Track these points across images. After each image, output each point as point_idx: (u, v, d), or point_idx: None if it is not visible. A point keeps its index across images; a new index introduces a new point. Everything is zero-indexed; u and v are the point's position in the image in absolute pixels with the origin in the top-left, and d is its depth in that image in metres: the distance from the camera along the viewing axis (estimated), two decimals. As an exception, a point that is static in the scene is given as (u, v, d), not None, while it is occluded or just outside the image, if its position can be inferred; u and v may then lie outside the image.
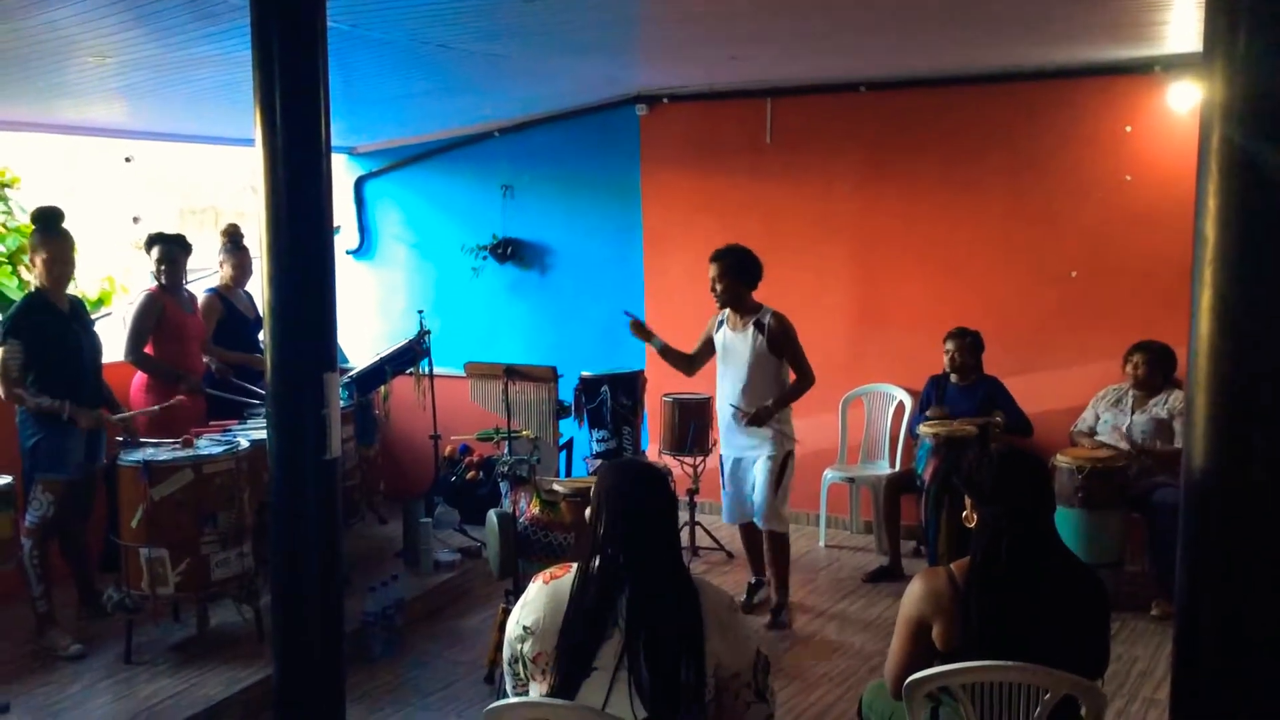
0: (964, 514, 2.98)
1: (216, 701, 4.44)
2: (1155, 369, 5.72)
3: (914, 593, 2.90)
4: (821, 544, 6.75)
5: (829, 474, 6.68)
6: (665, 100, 7.25)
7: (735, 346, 5.50)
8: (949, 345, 6.07)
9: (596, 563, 2.65)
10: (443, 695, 4.73)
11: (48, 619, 4.90)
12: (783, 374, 5.47)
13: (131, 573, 4.72)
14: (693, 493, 6.34)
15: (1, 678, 4.57)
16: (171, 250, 5.71)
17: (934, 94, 6.58)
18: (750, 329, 5.42)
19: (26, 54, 4.75)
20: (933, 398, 6.10)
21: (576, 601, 2.61)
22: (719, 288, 5.45)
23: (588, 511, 2.76)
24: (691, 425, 6.26)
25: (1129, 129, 6.13)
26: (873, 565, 6.25)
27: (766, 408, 5.39)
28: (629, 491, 2.71)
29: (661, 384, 6.59)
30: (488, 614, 5.41)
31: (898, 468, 6.55)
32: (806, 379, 5.46)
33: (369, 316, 8.24)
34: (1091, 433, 5.90)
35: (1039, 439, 5.93)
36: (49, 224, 4.93)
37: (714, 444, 6.34)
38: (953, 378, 6.08)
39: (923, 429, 5.85)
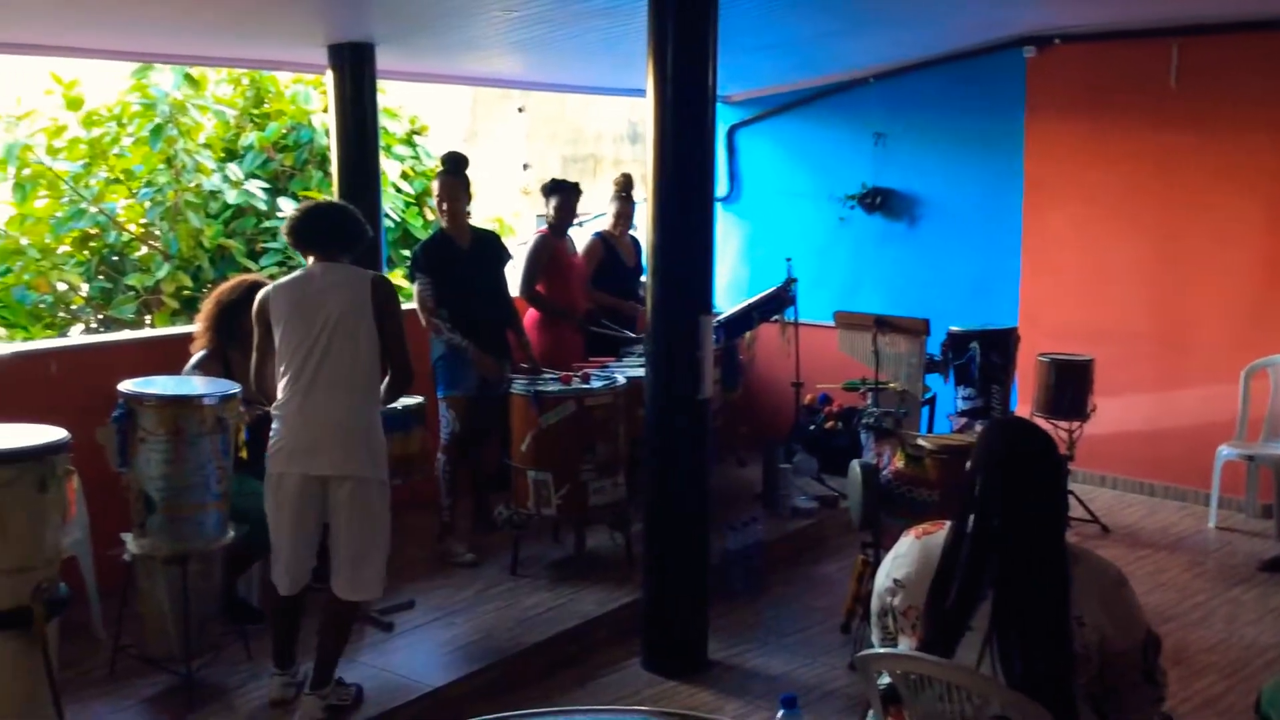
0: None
1: (589, 618, 4.74)
2: None
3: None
4: (1211, 525, 6.20)
5: (1224, 450, 6.11)
6: (1056, 41, 6.80)
7: None
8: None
9: (971, 522, 2.58)
10: (799, 639, 4.80)
11: (449, 529, 5.42)
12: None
13: (520, 492, 5.13)
14: (1067, 459, 6.00)
15: (407, 577, 5.07)
16: (568, 198, 6.10)
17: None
18: None
19: (445, 10, 5.18)
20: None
21: (948, 561, 2.56)
22: None
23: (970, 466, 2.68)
24: (1070, 388, 5.93)
25: None
26: (1270, 552, 5.67)
27: None
28: (1013, 451, 2.61)
29: (1037, 343, 6.28)
30: (844, 563, 5.41)
31: (1308, 448, 5.88)
32: None
33: (734, 263, 8.39)
34: None
35: None
36: (445, 165, 5.39)
37: (1092, 409, 5.99)
38: (1385, 352, 5.36)
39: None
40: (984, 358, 5.87)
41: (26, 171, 7.96)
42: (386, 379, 3.87)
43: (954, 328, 6.04)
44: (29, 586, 3.19)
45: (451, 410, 5.33)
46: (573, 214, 6.19)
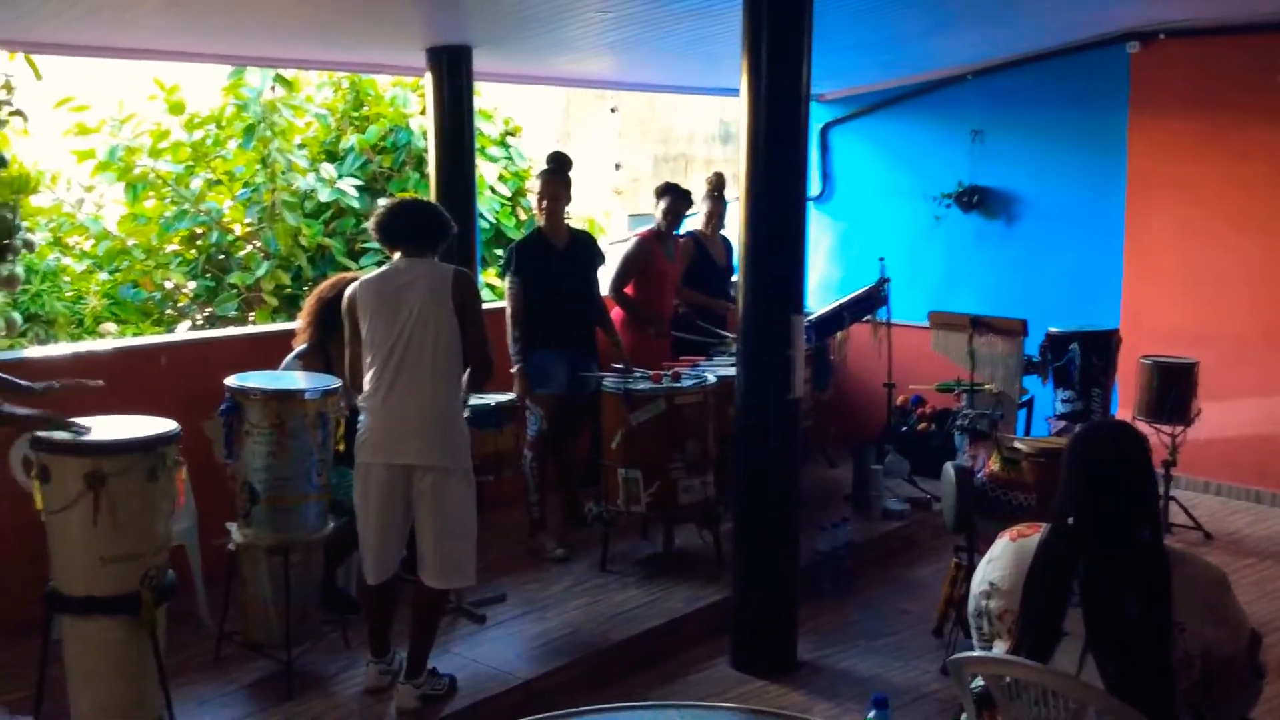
0: None
1: (678, 616, 4.75)
2: None
3: None
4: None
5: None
6: (1162, 36, 6.62)
7: None
8: None
9: (1062, 525, 2.54)
10: (889, 642, 4.75)
11: (539, 524, 5.49)
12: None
13: (610, 489, 5.16)
14: (1169, 464, 5.85)
15: (499, 571, 5.14)
16: (677, 203, 6.15)
17: None
18: None
19: (542, 12, 5.23)
20: None
21: (1039, 564, 2.52)
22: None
23: None
24: (1173, 391, 5.77)
25: None
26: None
27: None
28: (1100, 452, 2.56)
29: (1139, 345, 6.12)
30: (937, 567, 5.34)
31: None
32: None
33: (826, 263, 8.33)
34: None
35: None
36: (548, 164, 5.44)
37: (1196, 413, 5.82)
38: None
39: None
40: (1084, 359, 5.74)
41: (137, 172, 8.25)
42: (467, 372, 3.93)
43: (1053, 329, 5.92)
44: (138, 573, 3.33)
45: (539, 408, 5.38)
46: (679, 219, 6.24)
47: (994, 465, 4.59)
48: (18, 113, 6.01)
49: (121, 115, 8.25)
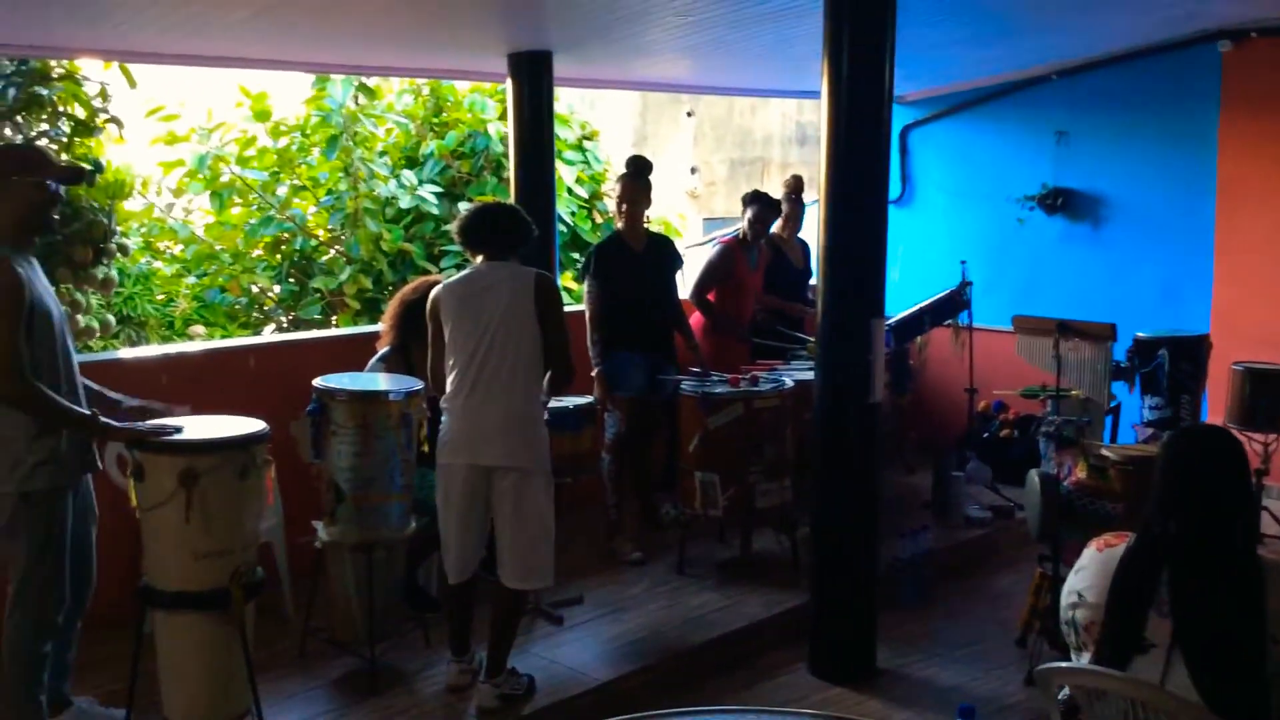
0: None
1: (756, 620, 4.74)
2: None
3: None
4: None
5: None
6: (1254, 35, 6.44)
7: None
8: None
9: (1149, 533, 2.50)
10: (971, 652, 4.68)
11: (616, 526, 5.50)
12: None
13: (687, 493, 5.17)
14: (1261, 474, 5.67)
15: (577, 574, 5.15)
16: (765, 212, 6.15)
17: None
18: None
19: (622, 16, 5.25)
20: None
21: (1123, 572, 2.48)
22: None
23: None
24: (1266, 398, 5.60)
25: None
26: None
27: None
28: (1194, 458, 2.51)
29: (1230, 351, 5.95)
30: (1019, 576, 5.26)
31: None
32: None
33: (906, 266, 8.24)
34: None
35: None
36: (628, 168, 5.46)
37: (1292, 421, 5.65)
38: None
39: None
40: (1173, 365, 5.60)
41: (224, 179, 8.46)
42: (548, 375, 3.96)
43: (1140, 334, 5.79)
44: (229, 569, 3.40)
45: (616, 410, 5.40)
46: (766, 228, 6.24)
47: (1081, 473, 4.51)
48: (114, 120, 6.19)
49: (210, 125, 8.46)
